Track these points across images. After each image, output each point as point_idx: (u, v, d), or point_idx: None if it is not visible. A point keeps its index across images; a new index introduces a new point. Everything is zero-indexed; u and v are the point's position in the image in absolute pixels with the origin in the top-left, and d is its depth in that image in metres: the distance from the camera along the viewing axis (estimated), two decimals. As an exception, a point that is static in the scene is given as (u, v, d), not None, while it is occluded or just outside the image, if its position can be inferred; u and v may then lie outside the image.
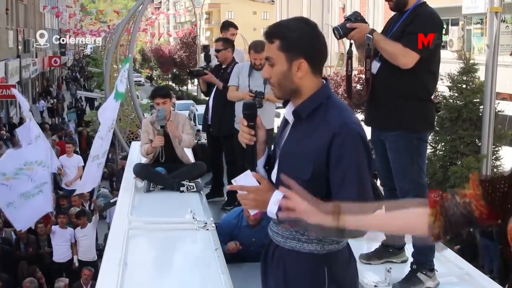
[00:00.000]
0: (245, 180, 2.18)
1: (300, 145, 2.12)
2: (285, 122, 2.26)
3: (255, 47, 5.24)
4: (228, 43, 5.93)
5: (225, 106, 5.67)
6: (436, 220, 1.58)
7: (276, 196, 2.10)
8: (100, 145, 7.86)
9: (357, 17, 3.28)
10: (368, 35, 3.23)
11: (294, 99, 2.17)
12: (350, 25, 3.25)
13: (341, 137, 2.03)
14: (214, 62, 6.21)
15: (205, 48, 6.61)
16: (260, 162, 2.28)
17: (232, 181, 2.22)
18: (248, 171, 2.19)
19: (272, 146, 2.37)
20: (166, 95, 5.38)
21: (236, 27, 6.51)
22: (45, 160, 7.80)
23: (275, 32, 2.12)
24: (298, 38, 2.08)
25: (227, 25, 6.49)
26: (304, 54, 2.09)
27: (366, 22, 3.32)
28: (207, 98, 6.16)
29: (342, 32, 3.26)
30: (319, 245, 2.16)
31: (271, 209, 2.12)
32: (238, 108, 5.27)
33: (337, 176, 2.05)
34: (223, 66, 5.91)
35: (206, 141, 6.97)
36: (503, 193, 1.52)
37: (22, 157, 7.59)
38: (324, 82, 2.18)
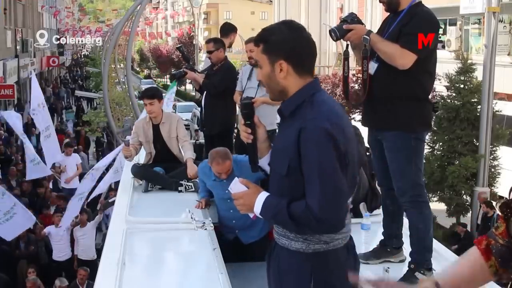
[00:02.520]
0: (236, 187, 2.29)
1: (281, 142, 2.24)
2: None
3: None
4: (219, 43, 5.93)
5: (216, 105, 5.69)
6: (498, 269, 1.72)
7: (261, 198, 2.22)
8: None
9: (353, 19, 3.29)
10: (365, 36, 3.23)
11: (282, 99, 2.28)
12: (347, 27, 3.26)
13: (305, 132, 2.10)
14: (208, 61, 6.21)
15: (179, 49, 6.67)
16: (265, 159, 2.37)
17: (229, 188, 2.33)
18: (236, 179, 2.31)
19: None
20: (153, 96, 5.31)
21: (234, 31, 6.49)
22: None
23: (259, 36, 2.26)
24: (277, 41, 2.18)
25: (227, 31, 6.48)
26: (283, 56, 2.18)
27: (363, 23, 3.33)
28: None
29: (339, 33, 3.27)
30: (304, 243, 2.23)
31: (256, 210, 2.24)
32: None
33: (305, 171, 2.12)
34: (216, 66, 5.93)
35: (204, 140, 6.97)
36: None
37: None
38: (312, 80, 2.24)
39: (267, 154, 2.36)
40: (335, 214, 2.12)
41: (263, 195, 2.22)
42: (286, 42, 2.18)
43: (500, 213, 1.74)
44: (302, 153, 2.10)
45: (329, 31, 3.32)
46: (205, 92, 5.98)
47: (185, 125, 5.72)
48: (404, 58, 3.16)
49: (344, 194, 2.16)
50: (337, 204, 2.13)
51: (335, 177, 2.10)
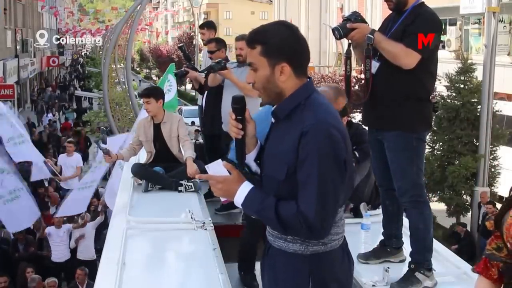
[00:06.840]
0: (217, 168, 2.24)
1: (276, 145, 2.15)
2: (271, 122, 2.28)
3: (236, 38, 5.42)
4: (221, 43, 5.97)
5: (216, 105, 5.69)
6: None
7: (245, 188, 2.15)
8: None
9: (357, 17, 3.27)
10: (369, 35, 3.21)
11: (278, 102, 2.19)
12: (351, 25, 3.23)
13: (308, 136, 2.04)
14: (209, 61, 6.22)
15: (181, 49, 6.70)
16: (251, 155, 2.28)
17: (206, 166, 2.24)
18: (219, 160, 2.24)
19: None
20: (148, 94, 5.34)
21: (211, 28, 6.56)
22: (7, 167, 8.22)
23: (256, 38, 2.15)
24: (279, 43, 2.11)
25: (202, 26, 6.60)
26: (286, 58, 2.11)
27: (366, 22, 3.31)
28: (201, 97, 6.19)
29: (342, 32, 3.24)
30: (303, 245, 2.17)
31: (238, 200, 2.17)
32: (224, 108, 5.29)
33: (300, 176, 2.07)
34: None
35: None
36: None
37: None
38: (307, 81, 2.18)
39: (253, 150, 2.27)
40: (326, 224, 2.09)
41: (247, 186, 2.15)
42: (288, 44, 2.12)
43: (493, 230, 1.74)
44: (301, 157, 2.05)
45: (332, 29, 3.28)
46: (205, 92, 5.98)
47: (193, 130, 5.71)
48: (409, 58, 3.14)
49: (338, 205, 2.15)
50: (330, 215, 2.11)
51: (333, 187, 2.07)
